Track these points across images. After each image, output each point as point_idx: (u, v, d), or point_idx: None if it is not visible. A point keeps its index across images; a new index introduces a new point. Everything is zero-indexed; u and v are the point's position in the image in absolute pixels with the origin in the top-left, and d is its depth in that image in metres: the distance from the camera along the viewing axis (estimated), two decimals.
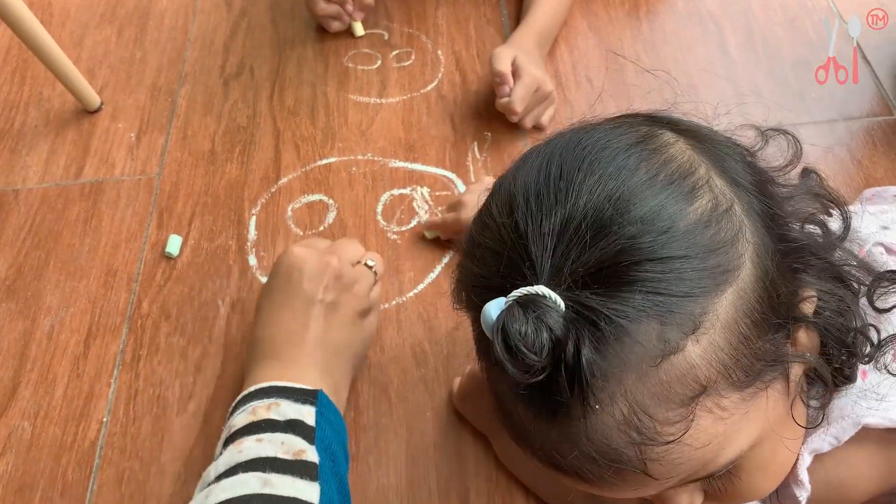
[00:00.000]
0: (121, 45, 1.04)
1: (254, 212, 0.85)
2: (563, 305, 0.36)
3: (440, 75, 0.96)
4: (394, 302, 0.76)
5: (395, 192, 0.85)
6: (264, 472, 0.50)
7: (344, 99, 0.95)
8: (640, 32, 0.99)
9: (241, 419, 0.54)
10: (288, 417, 0.54)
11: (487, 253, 0.41)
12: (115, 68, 1.01)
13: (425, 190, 0.85)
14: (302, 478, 0.50)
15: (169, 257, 0.81)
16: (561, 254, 0.37)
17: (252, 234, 0.83)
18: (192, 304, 0.78)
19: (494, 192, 0.44)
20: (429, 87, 0.95)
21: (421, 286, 0.77)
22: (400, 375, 0.71)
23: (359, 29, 1.00)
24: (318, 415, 0.55)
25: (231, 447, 0.52)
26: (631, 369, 0.36)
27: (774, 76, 0.93)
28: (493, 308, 0.37)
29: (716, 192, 0.41)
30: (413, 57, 0.98)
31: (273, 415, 0.54)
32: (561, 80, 0.94)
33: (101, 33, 1.05)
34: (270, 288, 0.64)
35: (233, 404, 0.57)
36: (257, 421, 0.53)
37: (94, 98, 0.95)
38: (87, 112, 0.96)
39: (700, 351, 0.37)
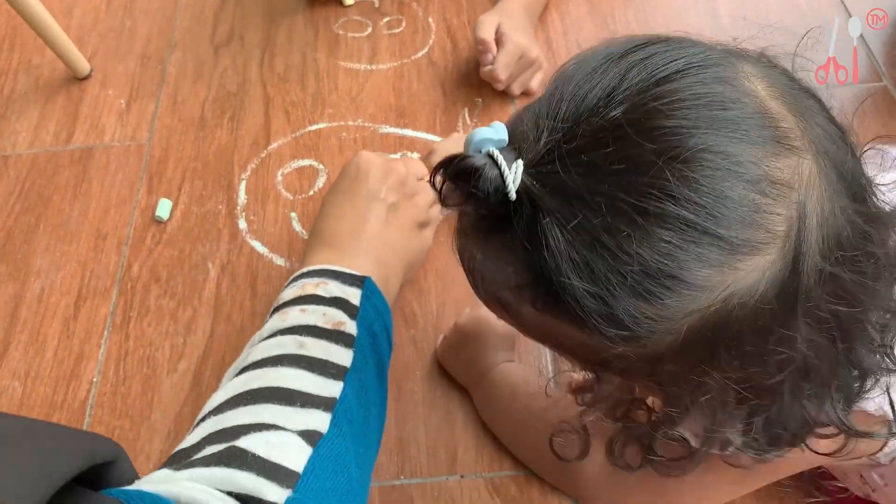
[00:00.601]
0: (110, 13, 1.03)
1: (244, 177, 0.85)
2: (519, 176, 0.36)
3: (431, 42, 0.96)
4: None
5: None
6: (301, 335, 0.52)
7: (334, 66, 0.94)
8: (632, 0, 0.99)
9: (289, 293, 0.57)
10: (334, 295, 0.56)
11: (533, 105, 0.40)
12: (104, 36, 1.00)
13: (415, 155, 0.85)
14: (337, 344, 0.52)
15: (159, 221, 0.81)
16: (567, 137, 0.37)
17: (242, 198, 0.83)
18: (182, 267, 0.78)
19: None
20: (419, 54, 0.95)
21: None
22: None
23: None
24: (364, 297, 0.57)
25: (276, 315, 0.56)
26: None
27: (765, 44, 0.93)
28: (483, 131, 0.38)
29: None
30: (404, 24, 0.98)
31: (320, 291, 0.56)
32: (552, 46, 0.94)
33: (90, 1, 1.05)
34: (337, 185, 0.67)
35: (287, 281, 0.60)
36: (304, 295, 0.56)
37: (83, 65, 0.95)
38: (76, 79, 0.95)
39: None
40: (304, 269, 0.59)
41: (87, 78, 0.95)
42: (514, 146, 0.38)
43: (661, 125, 0.35)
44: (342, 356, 0.52)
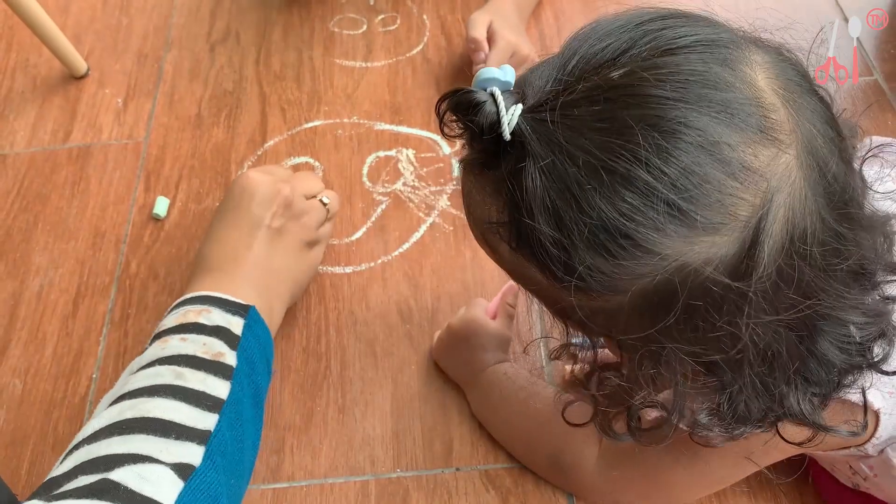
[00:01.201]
0: (107, 11, 1.04)
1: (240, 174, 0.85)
2: (516, 118, 0.39)
3: (426, 39, 0.96)
4: (379, 261, 0.77)
5: (381, 153, 0.86)
6: (179, 366, 0.52)
7: (330, 63, 0.95)
8: None
9: (170, 320, 0.57)
10: (216, 324, 0.56)
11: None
12: (101, 35, 1.01)
13: (410, 152, 0.85)
14: (215, 375, 0.52)
15: (157, 219, 0.82)
16: (570, 89, 0.39)
17: None
18: (179, 265, 0.79)
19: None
20: (414, 51, 0.95)
21: (406, 245, 0.78)
22: (385, 331, 0.73)
23: None
24: (246, 327, 0.57)
25: (157, 343, 0.55)
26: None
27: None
28: (491, 71, 0.40)
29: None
30: (398, 21, 0.99)
31: (202, 319, 0.56)
32: (546, 43, 0.95)
33: (86, 0, 1.05)
34: (222, 208, 0.66)
35: (170, 307, 0.60)
36: (186, 323, 0.56)
37: (80, 64, 0.95)
38: (73, 78, 0.96)
39: None
40: (189, 295, 0.59)
41: (84, 77, 0.96)
42: (519, 91, 0.40)
43: (649, 93, 0.37)
44: (219, 388, 0.52)
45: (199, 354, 0.53)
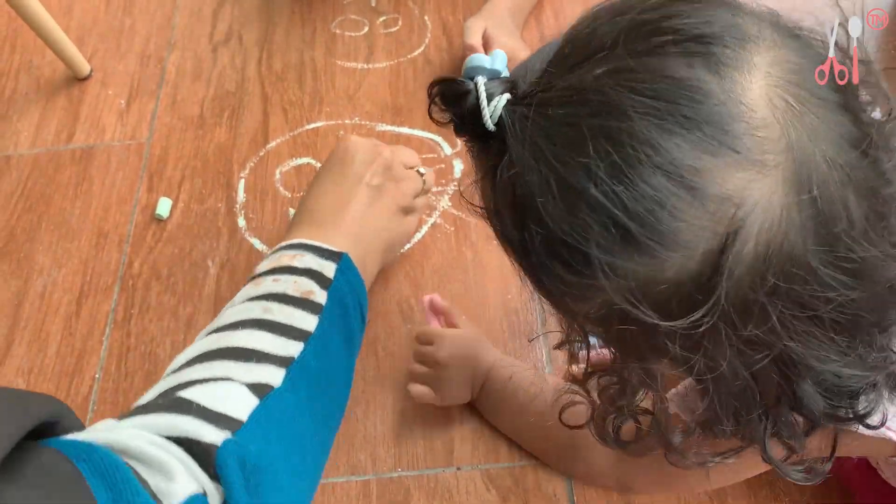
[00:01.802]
0: (110, 13, 1.04)
1: (242, 175, 0.86)
2: (499, 110, 0.38)
3: (427, 41, 0.97)
4: None
5: None
6: (269, 301, 0.53)
7: (331, 64, 0.95)
8: None
9: (265, 264, 0.58)
10: (308, 266, 0.57)
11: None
12: (104, 36, 1.01)
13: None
14: (303, 310, 0.53)
15: (159, 219, 0.82)
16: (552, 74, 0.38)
17: (241, 196, 0.84)
18: (182, 265, 0.79)
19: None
20: (416, 53, 0.96)
21: (408, 246, 0.79)
22: (387, 330, 0.73)
23: None
24: (339, 271, 0.58)
25: (250, 284, 0.57)
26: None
27: None
28: (479, 58, 0.41)
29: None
30: (400, 23, 0.99)
31: (296, 263, 0.57)
32: (546, 42, 0.95)
33: (90, 1, 1.06)
34: (324, 167, 0.68)
35: (266, 254, 0.61)
36: (279, 266, 0.57)
37: (83, 65, 0.96)
38: (77, 79, 0.96)
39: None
40: (285, 243, 0.60)
41: (87, 78, 0.96)
42: (512, 80, 0.39)
43: (617, 102, 0.34)
44: (306, 321, 0.53)
45: (289, 292, 0.54)
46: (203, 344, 0.51)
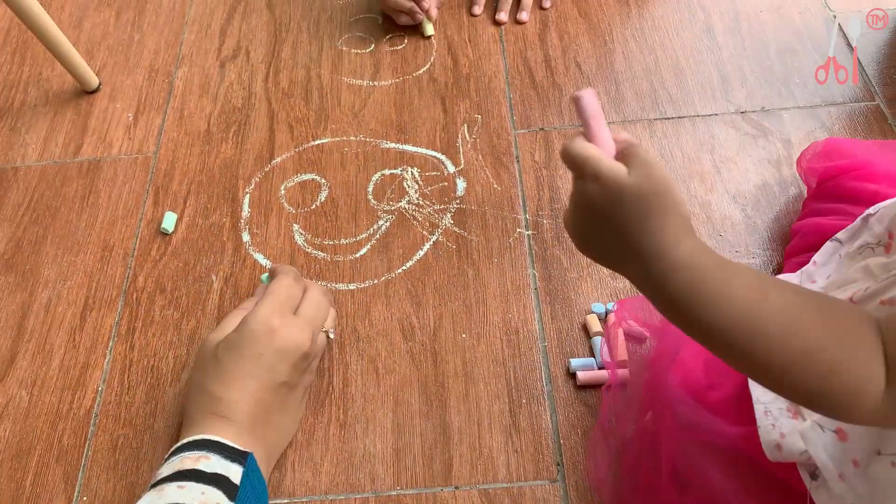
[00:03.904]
0: (119, 27, 1.05)
1: (248, 190, 0.86)
2: None
3: (432, 59, 0.98)
4: (382, 278, 0.78)
5: (386, 172, 0.87)
6: None
7: (337, 81, 0.96)
8: (630, 18, 1.01)
9: (168, 468, 0.55)
10: (214, 471, 0.55)
11: None
12: (113, 50, 1.03)
13: (415, 170, 0.87)
14: None
15: (164, 233, 0.83)
16: None
17: (246, 211, 0.85)
18: (186, 279, 0.80)
19: None
20: (421, 71, 0.97)
21: (409, 263, 0.79)
22: (388, 348, 0.73)
23: (429, 28, 0.99)
24: (244, 476, 0.55)
25: (152, 491, 0.53)
26: None
27: (760, 62, 0.94)
28: None
29: None
30: (406, 41, 1.00)
31: (201, 466, 0.55)
32: (550, 64, 0.96)
33: (99, 15, 1.07)
34: (241, 350, 0.62)
35: (168, 452, 0.58)
36: (183, 470, 0.54)
37: (92, 79, 0.97)
38: (85, 92, 0.98)
39: None
40: (188, 440, 0.58)
41: (95, 91, 0.97)
42: None
43: None
44: None
45: None
46: None
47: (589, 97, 0.47)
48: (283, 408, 0.64)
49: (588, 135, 0.48)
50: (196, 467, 0.55)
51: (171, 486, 0.53)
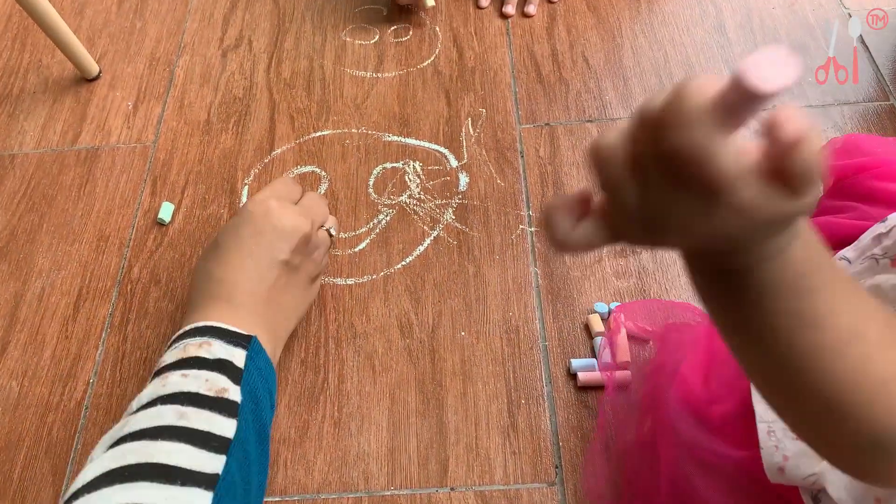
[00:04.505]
0: (121, 14, 1.04)
1: (247, 181, 0.85)
2: None
3: (437, 51, 0.96)
4: (381, 273, 0.77)
5: (388, 165, 0.85)
6: (182, 405, 0.50)
7: (340, 72, 0.95)
8: (639, 13, 0.99)
9: (171, 355, 0.55)
10: (217, 357, 0.54)
11: None
12: (114, 38, 1.01)
13: (417, 164, 0.85)
14: (220, 413, 0.50)
15: (161, 224, 0.82)
16: None
17: (244, 203, 0.83)
18: (182, 271, 0.78)
19: None
20: (425, 63, 0.95)
21: (409, 258, 0.78)
22: (385, 345, 0.72)
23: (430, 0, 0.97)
24: (248, 359, 0.55)
25: (157, 380, 0.52)
26: None
27: None
28: None
29: None
30: (410, 32, 0.98)
31: (203, 353, 0.54)
32: (557, 58, 0.94)
33: (101, 3, 1.05)
34: (239, 231, 0.63)
35: (170, 340, 0.58)
36: (186, 357, 0.54)
37: (92, 66, 0.96)
38: (85, 80, 0.96)
39: None
40: (190, 327, 0.57)
41: (95, 79, 0.96)
42: None
43: None
44: (225, 427, 0.50)
45: (203, 391, 0.51)
46: (118, 453, 0.47)
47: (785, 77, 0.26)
48: (285, 288, 0.63)
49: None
50: (199, 354, 0.54)
51: (175, 375, 0.52)
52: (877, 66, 0.91)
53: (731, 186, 0.28)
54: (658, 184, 0.30)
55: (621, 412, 0.64)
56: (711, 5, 0.99)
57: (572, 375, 0.69)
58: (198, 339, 0.55)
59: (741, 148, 0.28)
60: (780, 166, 0.28)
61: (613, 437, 0.64)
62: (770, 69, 0.24)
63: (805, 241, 0.33)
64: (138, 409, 0.50)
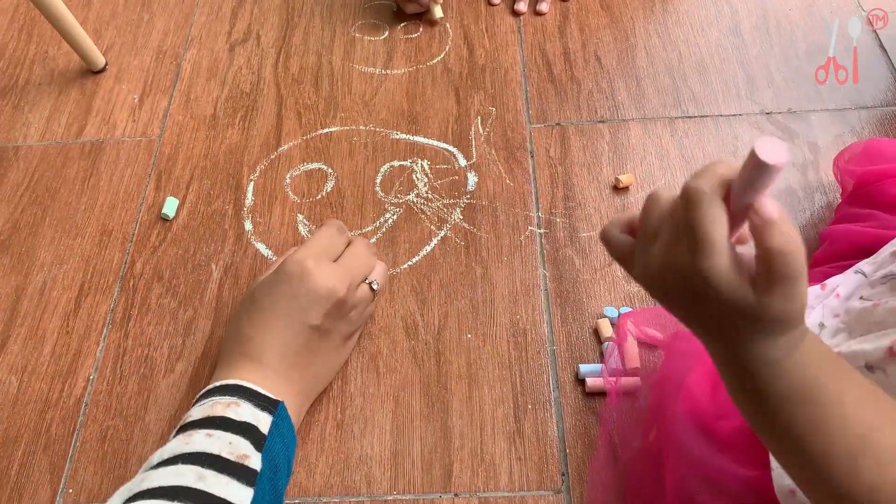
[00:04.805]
0: (129, 6, 1.03)
1: (252, 177, 0.84)
2: None
3: (447, 48, 0.95)
4: (388, 273, 0.75)
5: (395, 163, 0.84)
6: (203, 467, 0.49)
7: (349, 68, 0.94)
8: (653, 13, 0.97)
9: (198, 411, 0.54)
10: (243, 419, 0.53)
11: None
12: (121, 30, 1.00)
13: (425, 163, 0.84)
14: (238, 480, 0.50)
15: (165, 219, 0.81)
16: None
17: (249, 199, 0.82)
18: (185, 267, 0.77)
19: None
20: (435, 60, 0.94)
21: (416, 258, 0.76)
22: (389, 346, 0.71)
23: (438, 11, 0.96)
24: (273, 425, 0.54)
25: (181, 436, 0.52)
26: None
27: (788, 62, 0.91)
28: None
29: None
30: (421, 29, 0.97)
31: (231, 413, 0.53)
32: (570, 57, 0.93)
33: None
34: (274, 290, 0.62)
35: (199, 394, 0.57)
36: (213, 416, 0.53)
37: (98, 58, 0.95)
38: (91, 72, 0.95)
39: None
40: (220, 384, 0.57)
41: (101, 71, 0.95)
42: None
43: None
44: (241, 496, 0.49)
45: (224, 455, 0.50)
46: None
47: (783, 157, 0.32)
48: (315, 352, 0.63)
49: (738, 202, 0.35)
50: (226, 414, 0.53)
51: (200, 434, 0.52)
52: (894, 69, 0.89)
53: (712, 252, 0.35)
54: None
55: (626, 420, 0.63)
56: (727, 6, 0.97)
57: (580, 381, 0.68)
58: (227, 399, 0.55)
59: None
60: (759, 254, 0.34)
61: (618, 446, 0.62)
62: (772, 151, 0.32)
63: (807, 353, 0.37)
64: (159, 465, 0.50)
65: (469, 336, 0.71)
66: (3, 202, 0.83)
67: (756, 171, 0.33)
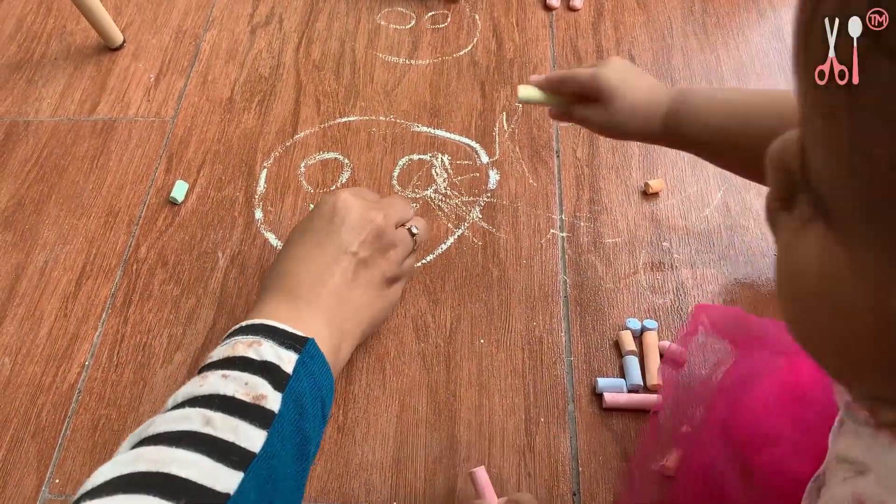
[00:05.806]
0: None
1: (266, 164, 0.81)
2: None
3: (475, 40, 0.91)
4: None
5: (415, 157, 0.80)
6: (212, 409, 0.45)
7: (372, 57, 0.90)
8: (692, 13, 0.93)
9: (219, 352, 0.51)
10: (264, 358, 0.49)
11: None
12: (142, 7, 0.98)
13: (446, 158, 0.80)
14: (250, 422, 0.45)
15: (173, 203, 0.78)
16: None
17: (261, 187, 0.79)
18: (191, 253, 0.74)
19: None
20: (462, 52, 0.90)
21: (430, 257, 0.73)
22: (398, 347, 0.67)
23: None
24: (299, 363, 0.50)
25: (197, 378, 0.48)
26: None
27: None
28: None
29: None
30: (449, 19, 0.94)
31: (251, 353, 0.49)
32: (603, 54, 0.89)
33: None
34: (307, 226, 0.61)
35: (227, 333, 0.54)
36: (233, 357, 0.49)
37: (116, 35, 0.92)
38: (108, 49, 0.93)
39: None
40: (245, 323, 0.53)
41: (119, 49, 0.93)
42: None
43: None
44: (252, 438, 0.45)
45: (238, 396, 0.46)
46: (132, 457, 0.43)
47: (481, 473, 0.57)
48: (354, 282, 0.59)
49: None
50: (246, 354, 0.49)
51: (216, 375, 0.48)
52: None
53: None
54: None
55: (664, 430, 0.58)
56: (770, 8, 0.93)
57: (597, 395, 0.64)
58: (249, 338, 0.51)
59: None
60: None
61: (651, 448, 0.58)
62: None
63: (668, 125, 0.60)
64: (173, 408, 0.46)
65: (482, 341, 0.67)
66: (9, 177, 0.81)
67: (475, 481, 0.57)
